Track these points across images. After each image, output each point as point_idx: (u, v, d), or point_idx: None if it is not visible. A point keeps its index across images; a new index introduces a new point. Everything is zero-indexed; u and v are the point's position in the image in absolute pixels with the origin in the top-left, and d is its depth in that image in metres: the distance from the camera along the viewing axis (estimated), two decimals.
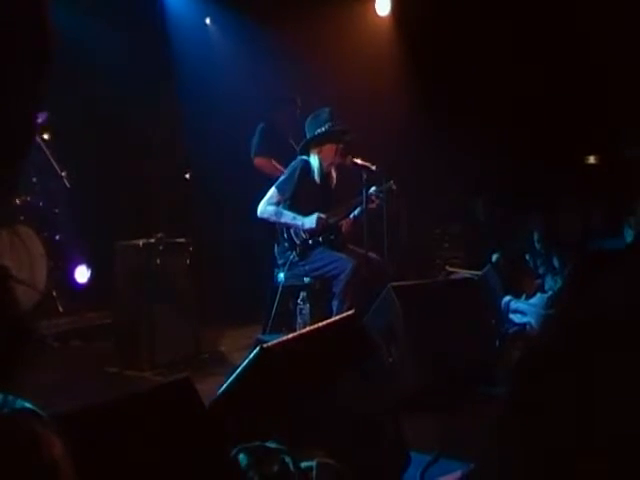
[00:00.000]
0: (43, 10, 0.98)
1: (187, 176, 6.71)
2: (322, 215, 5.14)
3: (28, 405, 0.94)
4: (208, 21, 7.87)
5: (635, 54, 6.43)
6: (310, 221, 5.11)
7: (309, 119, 5.31)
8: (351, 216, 5.41)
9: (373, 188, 5.20)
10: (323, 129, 5.20)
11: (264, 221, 5.28)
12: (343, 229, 5.43)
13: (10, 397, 0.93)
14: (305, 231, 5.15)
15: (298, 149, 5.38)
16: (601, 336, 0.88)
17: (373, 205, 5.20)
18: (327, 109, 5.28)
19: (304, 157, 5.32)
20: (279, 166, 6.18)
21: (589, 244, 6.00)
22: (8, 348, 0.92)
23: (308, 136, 5.28)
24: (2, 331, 0.92)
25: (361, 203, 5.16)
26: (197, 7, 7.65)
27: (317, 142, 5.25)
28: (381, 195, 5.19)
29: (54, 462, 0.93)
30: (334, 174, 5.41)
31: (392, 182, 5.25)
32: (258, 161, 6.39)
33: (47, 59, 0.98)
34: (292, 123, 6.30)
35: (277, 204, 5.18)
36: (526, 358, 0.96)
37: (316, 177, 5.27)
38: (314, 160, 5.27)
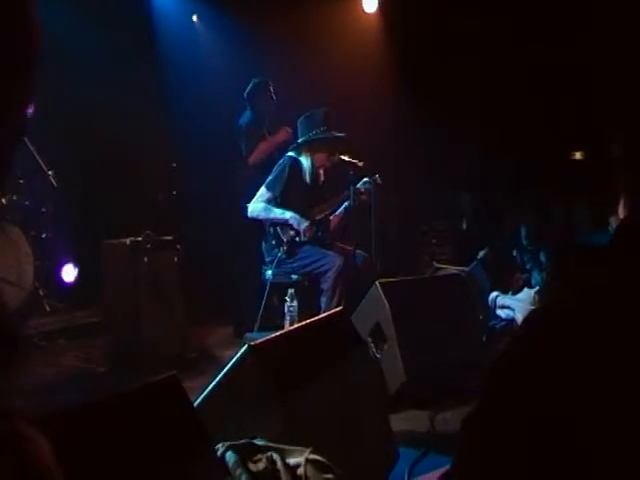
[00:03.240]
0: (29, 10, 0.98)
1: (174, 165, 6.66)
2: (311, 226, 5.15)
3: (14, 404, 0.94)
4: (195, 18, 7.85)
5: (622, 51, 6.46)
6: (299, 221, 5.12)
7: (302, 119, 5.32)
8: (338, 212, 5.43)
9: (362, 181, 5.23)
10: (318, 132, 5.20)
11: (254, 220, 5.29)
12: (331, 226, 5.45)
13: None
14: (292, 229, 5.17)
15: (290, 148, 5.37)
16: (580, 334, 0.90)
17: (364, 197, 5.22)
18: (321, 110, 5.28)
19: (293, 155, 5.33)
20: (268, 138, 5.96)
21: (575, 239, 6.04)
22: None
23: (300, 135, 5.28)
24: None
25: (348, 198, 5.19)
26: (184, 4, 7.63)
27: (312, 146, 5.26)
28: (368, 187, 5.21)
29: (42, 464, 0.93)
30: (322, 172, 5.43)
31: (377, 176, 5.28)
32: (253, 159, 6.14)
33: (33, 61, 0.98)
34: (269, 106, 6.09)
35: (267, 202, 5.20)
36: (502, 356, 0.97)
37: (307, 177, 5.30)
38: (306, 161, 5.29)
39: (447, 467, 0.97)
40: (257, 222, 5.33)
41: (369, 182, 5.24)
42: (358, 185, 5.22)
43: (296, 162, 5.30)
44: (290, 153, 5.36)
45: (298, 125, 5.33)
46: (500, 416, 0.90)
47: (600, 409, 0.83)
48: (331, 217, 5.47)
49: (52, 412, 1.58)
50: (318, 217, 5.28)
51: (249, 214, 5.25)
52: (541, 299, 5.38)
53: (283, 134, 5.92)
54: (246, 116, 6.08)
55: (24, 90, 0.99)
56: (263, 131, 6.01)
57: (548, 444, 0.85)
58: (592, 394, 0.84)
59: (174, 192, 6.88)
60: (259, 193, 5.24)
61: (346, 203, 5.31)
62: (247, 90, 6.06)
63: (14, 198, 5.60)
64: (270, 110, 6.07)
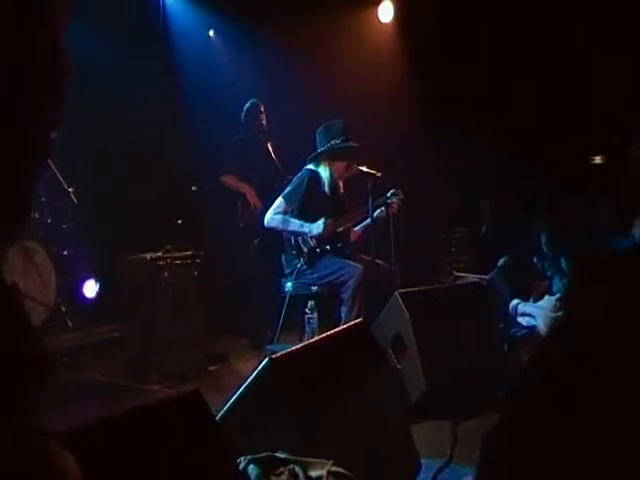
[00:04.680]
0: (57, 31, 1.01)
1: (194, 188, 6.73)
2: (329, 220, 5.16)
3: (43, 423, 0.96)
4: (211, 33, 7.90)
5: None
6: (317, 227, 5.14)
7: (321, 129, 5.33)
8: (359, 227, 5.45)
9: (391, 191, 5.26)
10: (338, 142, 5.22)
11: (271, 230, 5.31)
12: (352, 239, 5.46)
13: (26, 416, 0.94)
14: (313, 238, 5.17)
15: (309, 159, 5.39)
16: (604, 346, 0.88)
17: (395, 210, 5.25)
18: (340, 121, 5.31)
19: (311, 167, 5.34)
20: (243, 183, 6.31)
21: (596, 244, 5.99)
22: (22, 369, 0.94)
23: (319, 146, 5.30)
24: (15, 353, 0.94)
25: (368, 212, 5.19)
26: (200, 19, 7.68)
27: (331, 155, 5.28)
28: (396, 200, 5.24)
29: (70, 479, 0.94)
30: (341, 184, 5.45)
31: (399, 191, 5.30)
32: (226, 179, 6.39)
33: (62, 89, 1.01)
34: (258, 129, 6.34)
35: (284, 214, 5.20)
36: (529, 369, 0.96)
37: (326, 188, 5.31)
38: (324, 171, 5.30)
39: (469, 477, 0.96)
40: (274, 233, 5.36)
41: (395, 194, 5.27)
42: (388, 197, 5.26)
43: (314, 174, 5.31)
44: (309, 166, 5.37)
45: (317, 135, 5.35)
46: (525, 435, 0.90)
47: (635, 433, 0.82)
48: (354, 229, 5.48)
49: (75, 427, 1.60)
50: (339, 229, 5.29)
51: (265, 223, 5.27)
52: (564, 306, 5.34)
53: (250, 196, 6.27)
54: (239, 133, 6.40)
55: (53, 109, 1.02)
56: (247, 152, 6.28)
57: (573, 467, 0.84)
58: (625, 415, 0.83)
59: (194, 206, 6.91)
60: (276, 204, 5.26)
61: (368, 220, 5.29)
62: (244, 109, 6.42)
63: (36, 216, 5.65)
64: (258, 132, 6.33)
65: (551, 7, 7.18)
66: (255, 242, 6.12)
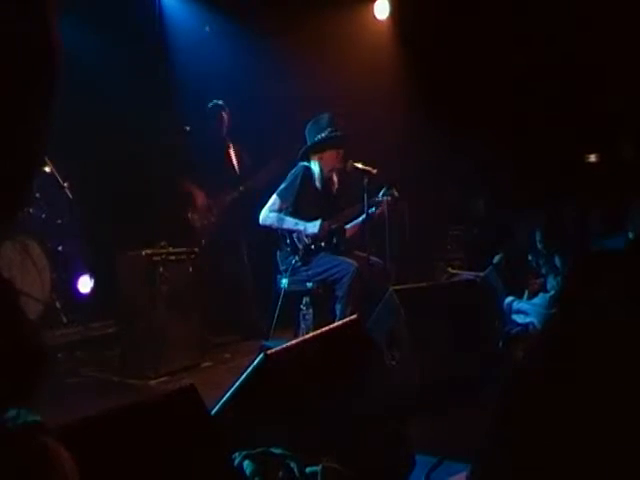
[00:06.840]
0: (51, 27, 1.01)
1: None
2: (325, 222, 5.16)
3: (38, 418, 0.96)
4: (208, 28, 7.88)
5: (635, 52, 6.45)
6: (313, 226, 5.14)
7: (309, 125, 5.33)
8: (353, 223, 5.44)
9: (382, 191, 5.25)
10: (323, 135, 5.22)
11: (266, 228, 5.31)
12: (347, 234, 5.45)
13: (22, 411, 0.94)
14: (308, 236, 5.17)
15: (299, 155, 5.39)
16: (599, 343, 0.89)
17: (389, 207, 5.25)
18: (326, 114, 5.30)
19: (304, 163, 5.34)
20: (194, 186, 6.44)
21: (590, 243, 6.00)
22: (20, 365, 0.94)
23: (309, 142, 5.30)
24: (14, 347, 0.94)
25: (363, 211, 5.19)
26: (196, 15, 7.67)
27: (318, 148, 5.28)
28: (388, 199, 5.23)
29: (65, 476, 0.94)
30: (335, 179, 5.43)
31: (394, 189, 5.29)
32: (179, 181, 6.53)
33: (55, 86, 1.01)
34: (222, 131, 6.46)
35: (279, 211, 5.20)
36: (523, 366, 0.96)
37: (317, 183, 5.30)
38: (315, 166, 5.29)
39: (464, 474, 0.97)
40: (270, 229, 5.35)
41: (389, 194, 5.27)
42: (380, 196, 5.25)
43: (307, 170, 5.31)
44: (302, 163, 5.37)
45: (306, 132, 5.35)
46: (520, 431, 0.90)
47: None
48: (347, 226, 5.47)
49: (70, 423, 1.60)
50: (334, 226, 5.28)
51: (261, 221, 5.26)
52: (559, 304, 5.34)
53: (200, 201, 6.47)
54: (199, 133, 6.56)
55: (47, 105, 1.01)
56: (204, 152, 6.41)
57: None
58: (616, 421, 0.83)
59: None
60: (271, 201, 5.25)
61: (363, 216, 5.29)
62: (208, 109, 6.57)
63: (30, 211, 5.64)
64: (220, 134, 6.54)
65: (546, 5, 7.20)
66: (202, 242, 6.21)
